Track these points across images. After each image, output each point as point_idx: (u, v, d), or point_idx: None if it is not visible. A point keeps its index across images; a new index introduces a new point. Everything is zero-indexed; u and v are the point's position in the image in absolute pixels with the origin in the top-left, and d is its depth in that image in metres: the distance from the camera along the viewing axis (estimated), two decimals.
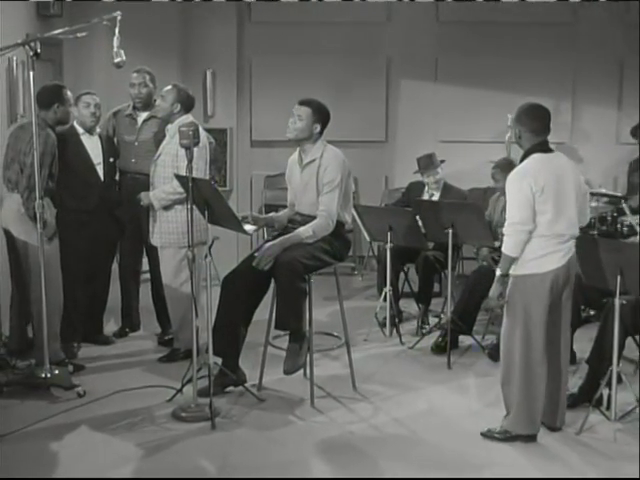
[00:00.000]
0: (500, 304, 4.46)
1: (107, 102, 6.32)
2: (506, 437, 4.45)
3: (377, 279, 7.39)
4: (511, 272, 4.33)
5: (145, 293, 6.27)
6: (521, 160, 4.36)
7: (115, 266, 6.22)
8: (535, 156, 4.28)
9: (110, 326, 6.37)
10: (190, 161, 4.59)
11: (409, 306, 6.95)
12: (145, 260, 6.20)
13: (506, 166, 5.86)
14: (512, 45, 8.24)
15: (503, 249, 4.31)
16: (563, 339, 4.48)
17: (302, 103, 4.94)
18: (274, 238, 4.97)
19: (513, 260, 4.29)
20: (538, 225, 4.23)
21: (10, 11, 6.10)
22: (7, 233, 5.31)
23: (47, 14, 6.79)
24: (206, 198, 4.71)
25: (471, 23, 8.27)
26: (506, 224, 4.29)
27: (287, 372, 4.81)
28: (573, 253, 4.36)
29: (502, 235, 6.01)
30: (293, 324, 4.78)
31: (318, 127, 4.92)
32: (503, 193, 6.02)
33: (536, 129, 4.30)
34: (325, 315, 6.64)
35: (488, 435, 4.50)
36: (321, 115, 4.93)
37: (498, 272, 4.36)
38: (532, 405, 4.40)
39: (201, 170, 5.39)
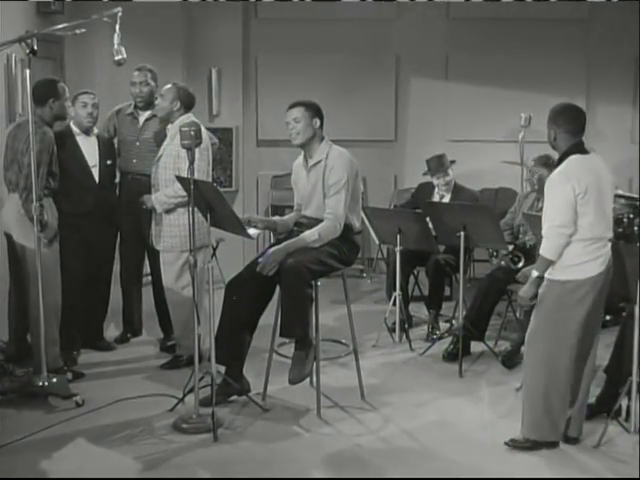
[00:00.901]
0: (531, 304, 4.31)
1: (110, 101, 6.18)
2: (530, 445, 4.29)
3: (386, 282, 7.24)
4: (547, 275, 4.20)
5: (148, 297, 6.10)
6: (559, 162, 4.22)
7: (116, 269, 6.05)
8: (574, 157, 4.16)
9: (111, 331, 6.22)
10: (192, 162, 4.42)
11: (419, 310, 6.78)
12: (147, 263, 6.04)
13: (547, 162, 5.70)
14: (525, 42, 8.09)
15: (541, 251, 4.18)
16: (592, 347, 4.34)
17: (291, 106, 4.81)
18: (279, 242, 4.79)
19: (551, 263, 4.16)
20: (579, 228, 4.11)
21: (10, 8, 5.97)
22: (8, 236, 5.17)
23: (48, 11, 6.65)
24: (208, 201, 4.54)
25: (482, 20, 8.13)
26: (546, 226, 4.16)
27: (292, 382, 4.62)
28: (610, 257, 4.21)
29: (522, 234, 6.03)
30: (299, 331, 4.61)
31: (317, 121, 4.77)
32: (537, 190, 5.86)
33: (572, 130, 4.20)
34: (332, 319, 6.48)
35: (512, 445, 4.33)
36: (315, 109, 4.79)
37: (534, 273, 4.22)
38: (555, 413, 4.25)
39: (203, 171, 5.24)
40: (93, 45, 7.07)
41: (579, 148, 4.19)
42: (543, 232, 4.18)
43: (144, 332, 6.22)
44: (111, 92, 6.70)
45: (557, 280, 4.17)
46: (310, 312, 4.62)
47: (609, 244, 4.21)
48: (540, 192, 5.70)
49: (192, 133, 4.40)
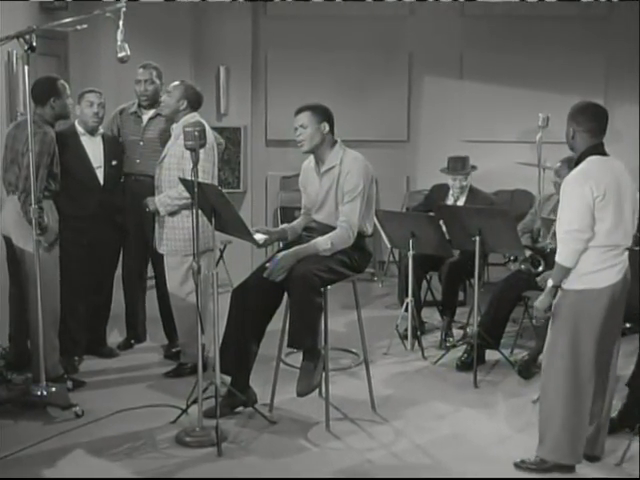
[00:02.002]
0: (547, 316, 4.09)
1: (115, 100, 6.04)
2: (542, 467, 4.06)
3: (398, 287, 7.03)
4: (562, 285, 3.98)
5: (152, 301, 5.92)
6: (576, 163, 4.00)
7: (119, 273, 5.87)
8: (593, 159, 3.94)
9: (114, 336, 6.04)
10: (196, 164, 4.22)
11: (431, 316, 6.60)
12: (151, 266, 5.86)
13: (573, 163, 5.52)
14: (541, 40, 7.93)
15: (557, 258, 3.96)
16: (613, 359, 4.12)
17: (298, 111, 4.60)
18: (287, 247, 4.60)
19: (568, 271, 3.93)
20: (596, 234, 3.88)
21: (11, 4, 5.80)
22: (7, 239, 5.02)
23: (51, 7, 6.48)
24: (213, 204, 4.35)
25: (498, 17, 7.98)
26: (562, 231, 3.94)
27: (300, 394, 4.43)
28: (628, 266, 3.99)
29: (542, 237, 5.84)
30: (307, 342, 4.42)
31: (326, 125, 4.56)
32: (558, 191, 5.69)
33: (593, 129, 3.98)
34: (342, 325, 6.29)
35: (522, 467, 4.11)
36: (322, 113, 4.58)
37: (550, 283, 4.00)
38: (575, 432, 4.02)
39: (208, 173, 5.07)
40: (98, 42, 6.89)
41: (599, 149, 3.98)
42: (559, 237, 3.97)
43: (148, 338, 6.05)
44: (117, 90, 6.60)
45: (572, 289, 3.95)
46: (319, 322, 4.43)
47: (626, 253, 3.97)
48: None
49: (196, 134, 4.21)
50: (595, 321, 3.93)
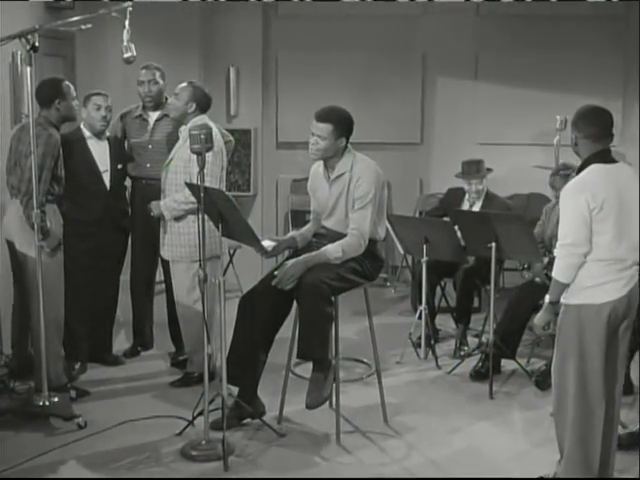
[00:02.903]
0: (546, 333, 3.93)
1: (123, 102, 5.89)
2: None
3: (411, 293, 6.91)
4: (563, 300, 3.79)
5: (159, 307, 5.79)
6: (578, 171, 3.81)
7: (127, 278, 5.75)
8: (593, 167, 3.72)
9: (121, 342, 5.92)
10: (202, 169, 4.08)
11: (445, 323, 6.43)
12: (160, 270, 5.71)
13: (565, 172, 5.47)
14: (558, 41, 7.72)
15: (553, 273, 3.77)
16: (619, 375, 3.90)
17: (320, 119, 4.33)
18: (297, 254, 4.46)
19: (565, 286, 3.74)
20: (595, 247, 3.66)
21: (15, 3, 5.69)
22: (10, 244, 4.90)
23: (56, 7, 6.37)
24: (220, 210, 4.21)
25: (514, 17, 7.78)
26: (557, 245, 3.75)
27: (310, 406, 4.27)
28: (636, 282, 3.77)
29: (551, 250, 5.71)
30: (317, 353, 4.27)
31: (343, 141, 4.38)
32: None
33: (593, 135, 3.76)
34: (354, 333, 6.14)
35: None
36: (345, 127, 4.36)
37: (547, 299, 3.83)
38: (589, 447, 3.82)
39: (216, 177, 4.94)
40: (105, 43, 6.78)
41: (602, 156, 3.75)
42: (555, 251, 3.79)
43: (155, 345, 5.91)
44: (125, 92, 6.42)
45: (573, 304, 3.74)
46: (329, 332, 4.28)
47: (635, 267, 3.75)
48: None
49: (202, 137, 4.06)
50: (598, 337, 3.71)
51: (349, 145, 4.46)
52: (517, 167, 7.60)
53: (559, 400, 3.91)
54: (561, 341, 3.84)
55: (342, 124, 4.35)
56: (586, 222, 3.64)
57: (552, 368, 3.96)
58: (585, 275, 3.69)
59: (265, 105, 8.15)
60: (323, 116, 4.33)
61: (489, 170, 6.24)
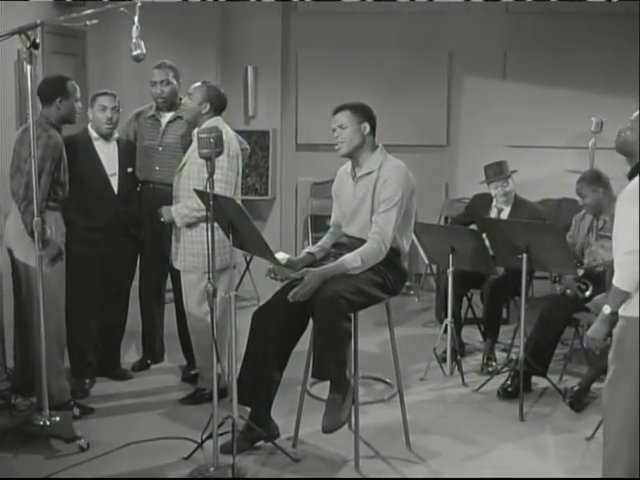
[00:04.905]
0: (603, 347, 3.60)
1: (136, 101, 5.70)
2: None
3: (435, 304, 6.61)
4: (621, 312, 3.47)
5: (173, 315, 5.50)
6: (631, 175, 3.50)
7: (135, 286, 5.48)
8: None
9: (131, 354, 5.67)
10: (211, 175, 3.79)
11: (472, 336, 6.14)
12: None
13: (594, 179, 5.25)
14: (593, 38, 7.51)
15: (615, 281, 3.46)
16: None
17: (336, 111, 4.21)
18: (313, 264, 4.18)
19: (627, 295, 3.43)
20: None
21: None
22: (9, 252, 4.67)
23: (66, 3, 6.13)
24: (230, 219, 3.92)
25: (545, 14, 7.59)
26: (620, 252, 3.43)
27: (326, 430, 3.96)
28: None
29: (582, 261, 5.43)
30: (334, 372, 3.96)
31: (367, 126, 4.16)
32: (590, 211, 5.31)
33: None
34: (375, 346, 5.85)
35: None
36: (363, 112, 4.19)
37: (607, 310, 3.50)
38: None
39: (231, 183, 4.67)
40: (118, 40, 6.58)
41: None
42: (617, 260, 3.46)
43: (166, 357, 5.65)
44: (138, 91, 6.26)
45: (633, 317, 3.43)
46: (348, 350, 3.98)
47: None
48: (595, 211, 5.32)
49: (212, 141, 3.77)
50: None
51: (381, 145, 4.23)
52: (548, 171, 7.42)
53: (611, 429, 3.55)
54: (617, 358, 3.49)
55: (358, 108, 4.21)
56: None
57: (605, 384, 3.61)
58: None
59: (284, 105, 8.03)
60: (337, 107, 4.25)
61: (513, 171, 5.93)
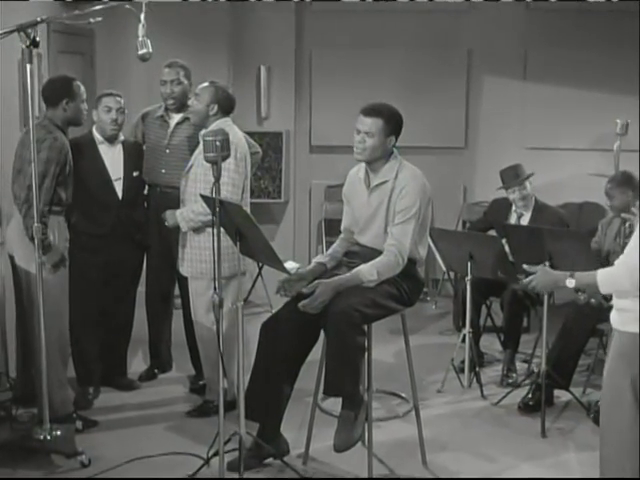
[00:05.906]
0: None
1: (146, 103, 5.55)
2: None
3: (453, 312, 6.40)
4: (618, 326, 3.31)
5: (179, 324, 5.34)
6: None
7: (142, 292, 5.34)
8: None
9: (138, 364, 5.50)
10: (217, 179, 3.61)
11: (491, 345, 5.93)
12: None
13: (625, 181, 5.11)
14: (616, 37, 7.27)
15: (599, 276, 3.29)
16: None
17: (368, 113, 3.92)
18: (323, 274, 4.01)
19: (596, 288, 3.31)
20: None
21: None
22: (11, 258, 4.53)
23: (69, 0, 5.95)
24: (237, 226, 3.75)
25: (566, 11, 7.38)
26: (622, 257, 3.25)
27: (338, 449, 3.79)
28: None
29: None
30: (347, 389, 3.78)
31: (393, 140, 3.95)
32: (618, 214, 5.11)
33: None
34: (391, 355, 5.67)
35: None
36: (396, 124, 3.95)
37: (571, 284, 3.45)
38: None
39: (238, 187, 4.52)
40: (127, 39, 6.37)
41: None
42: (617, 261, 3.29)
43: (174, 366, 5.49)
44: (148, 92, 6.18)
45: (631, 333, 3.24)
46: (361, 364, 3.80)
47: None
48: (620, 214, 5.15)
49: (218, 144, 3.59)
50: None
51: (396, 150, 4.02)
52: (570, 174, 7.26)
53: (609, 438, 3.38)
54: (618, 370, 3.31)
55: (393, 120, 3.94)
56: None
57: (601, 399, 3.46)
58: None
59: (298, 106, 7.92)
60: (373, 110, 3.93)
61: (530, 175, 5.73)
